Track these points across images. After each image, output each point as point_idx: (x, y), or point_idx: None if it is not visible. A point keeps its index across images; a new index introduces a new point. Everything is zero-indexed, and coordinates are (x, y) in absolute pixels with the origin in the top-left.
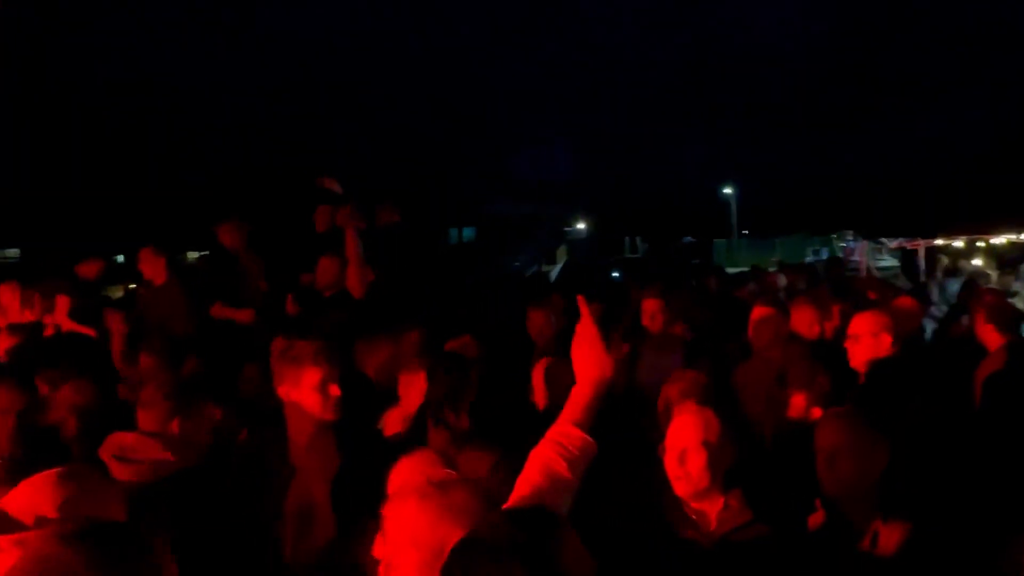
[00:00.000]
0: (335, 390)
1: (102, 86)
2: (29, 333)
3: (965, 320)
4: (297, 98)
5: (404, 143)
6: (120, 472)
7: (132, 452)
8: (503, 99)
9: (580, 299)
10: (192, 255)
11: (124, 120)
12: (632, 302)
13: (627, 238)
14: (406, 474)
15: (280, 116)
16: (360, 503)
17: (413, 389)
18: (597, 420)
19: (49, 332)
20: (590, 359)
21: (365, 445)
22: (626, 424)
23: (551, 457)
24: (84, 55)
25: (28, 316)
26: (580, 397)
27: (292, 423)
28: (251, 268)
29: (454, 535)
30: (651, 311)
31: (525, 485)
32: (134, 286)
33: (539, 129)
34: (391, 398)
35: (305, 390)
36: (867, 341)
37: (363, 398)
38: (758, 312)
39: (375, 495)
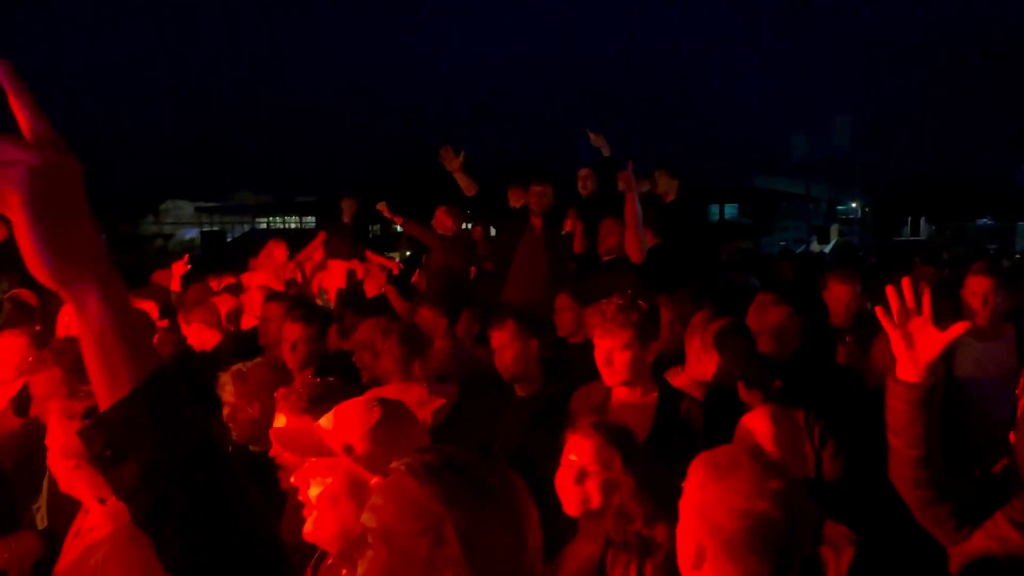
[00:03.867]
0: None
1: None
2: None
3: None
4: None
5: (665, 117)
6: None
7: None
8: (771, 72)
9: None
10: None
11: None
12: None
13: (909, 218)
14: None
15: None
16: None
17: (706, 358)
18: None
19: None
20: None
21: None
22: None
23: None
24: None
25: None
26: None
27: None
28: (539, 231)
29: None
30: (982, 292)
31: None
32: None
33: (810, 101)
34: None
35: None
36: None
37: None
38: None
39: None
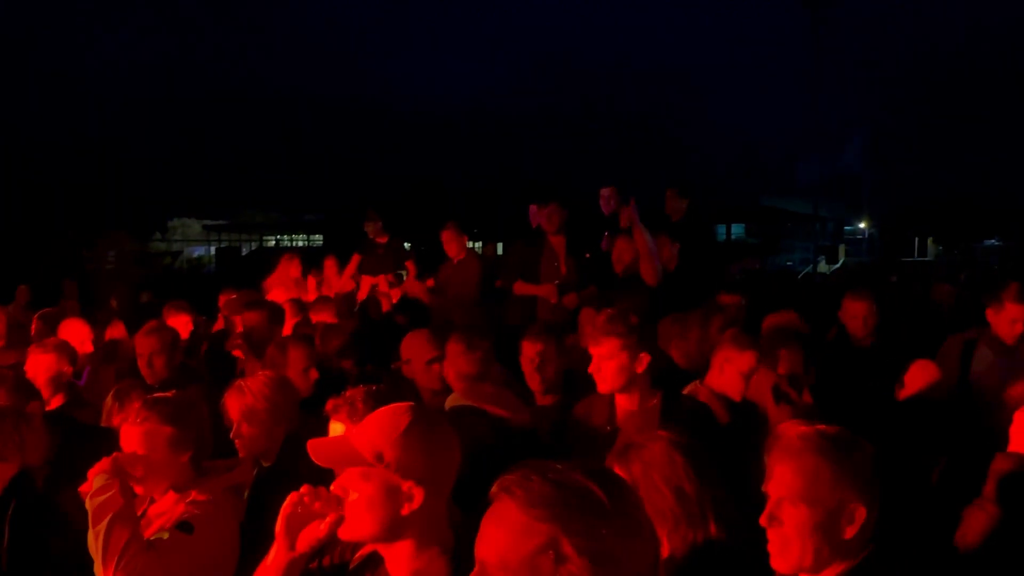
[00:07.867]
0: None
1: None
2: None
3: None
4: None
5: (671, 135)
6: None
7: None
8: (779, 90)
9: None
10: None
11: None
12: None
13: (916, 239)
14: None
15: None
16: None
17: (735, 371)
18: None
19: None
20: None
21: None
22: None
23: None
24: None
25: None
26: None
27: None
28: (558, 249)
29: (852, 498)
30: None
31: None
32: None
33: (819, 121)
34: (691, 376)
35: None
36: None
37: (667, 375)
38: None
39: None
